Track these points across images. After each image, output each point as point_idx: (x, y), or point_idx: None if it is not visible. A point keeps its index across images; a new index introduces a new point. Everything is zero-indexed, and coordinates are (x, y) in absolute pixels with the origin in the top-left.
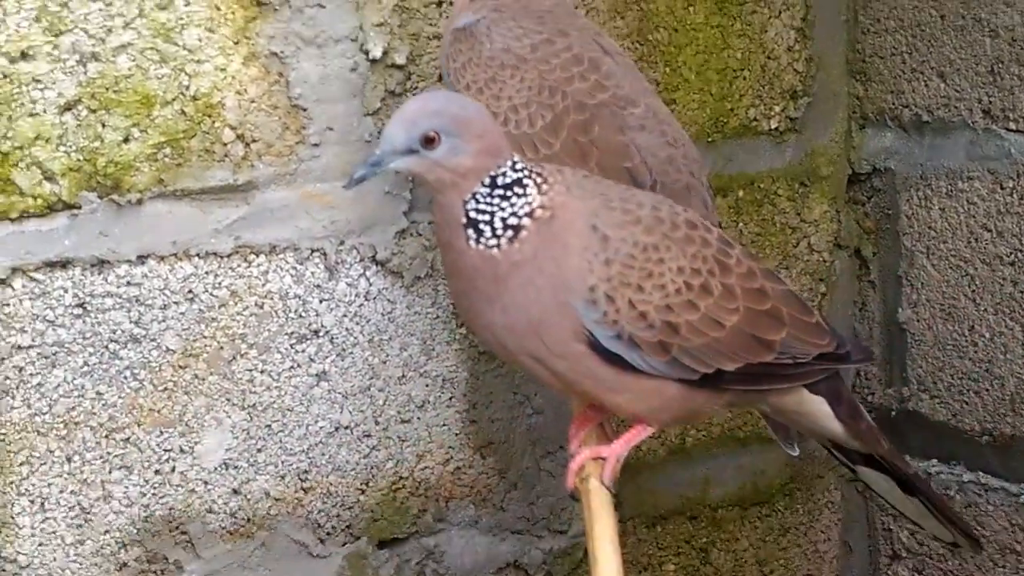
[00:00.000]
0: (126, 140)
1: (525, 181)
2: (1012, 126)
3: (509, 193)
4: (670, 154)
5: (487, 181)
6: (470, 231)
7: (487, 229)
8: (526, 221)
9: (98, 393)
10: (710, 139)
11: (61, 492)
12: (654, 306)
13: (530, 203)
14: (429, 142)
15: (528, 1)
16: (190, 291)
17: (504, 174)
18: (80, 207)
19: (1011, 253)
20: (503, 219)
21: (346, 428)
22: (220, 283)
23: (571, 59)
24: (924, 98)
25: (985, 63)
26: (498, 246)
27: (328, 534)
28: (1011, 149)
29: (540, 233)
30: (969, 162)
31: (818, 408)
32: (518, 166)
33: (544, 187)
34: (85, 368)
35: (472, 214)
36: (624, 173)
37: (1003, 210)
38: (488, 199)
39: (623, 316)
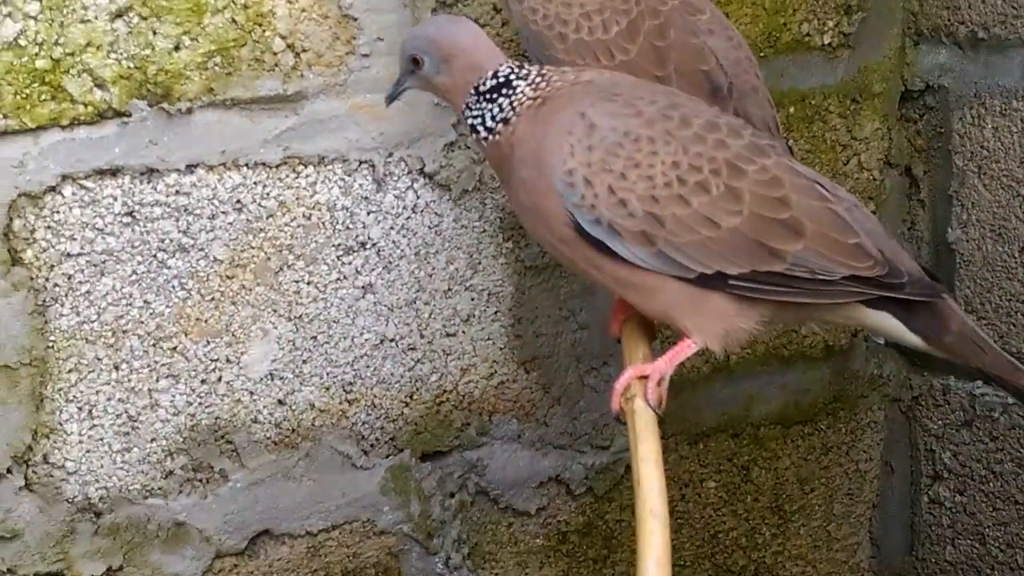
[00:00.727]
0: (176, 48)
1: (514, 82)
2: None
3: (495, 95)
4: (738, 56)
5: (472, 91)
6: (476, 133)
7: (482, 128)
8: (515, 113)
9: (146, 302)
10: (762, 54)
11: (108, 400)
12: (637, 195)
13: (519, 98)
14: (416, 63)
15: None
16: (238, 201)
17: (484, 82)
18: (130, 115)
19: None
20: (493, 115)
21: (391, 341)
22: (268, 193)
23: None
24: (980, 14)
25: None
26: (500, 133)
27: (372, 446)
28: None
29: (530, 118)
30: None
31: (885, 322)
32: (501, 72)
33: (540, 82)
34: (133, 277)
35: (471, 120)
36: (701, 76)
37: None
38: (477, 105)
39: (601, 201)
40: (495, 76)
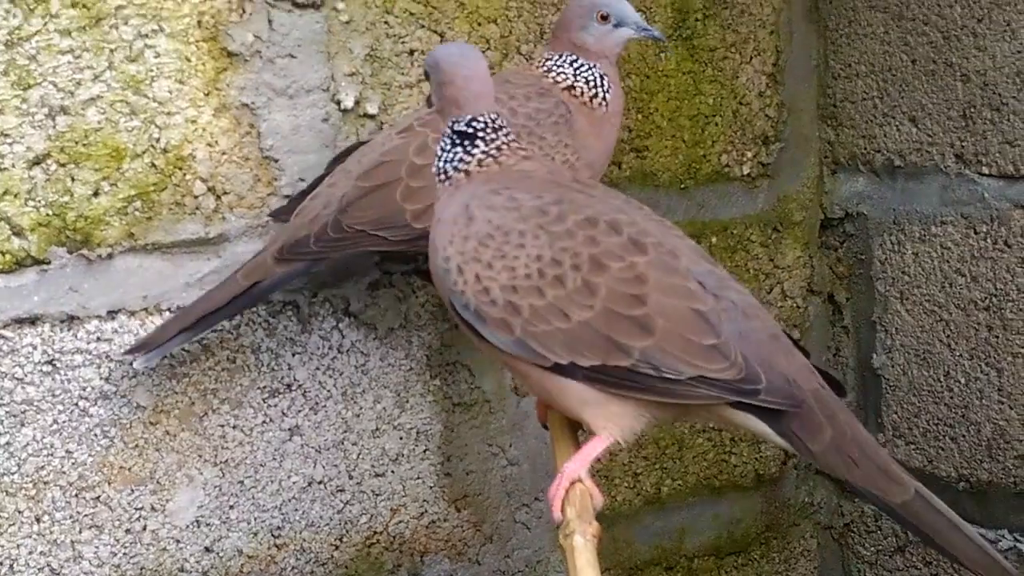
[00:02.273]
0: (96, 194)
1: (477, 140)
2: (985, 170)
3: (458, 140)
4: None
5: (449, 124)
6: (438, 168)
7: (436, 166)
8: (454, 175)
9: (68, 451)
10: (683, 186)
11: (30, 553)
12: (499, 284)
13: (466, 162)
14: (427, 78)
15: None
16: None
17: (458, 122)
18: (49, 262)
19: (986, 298)
20: (445, 161)
21: (319, 483)
22: (191, 337)
23: None
24: (896, 143)
25: (957, 107)
26: (440, 183)
27: None
28: (984, 193)
29: (449, 193)
30: (942, 207)
31: (752, 424)
32: (476, 123)
33: (487, 159)
34: (55, 426)
35: (438, 149)
36: None
37: (977, 255)
38: (445, 140)
39: (469, 287)
40: (469, 123)
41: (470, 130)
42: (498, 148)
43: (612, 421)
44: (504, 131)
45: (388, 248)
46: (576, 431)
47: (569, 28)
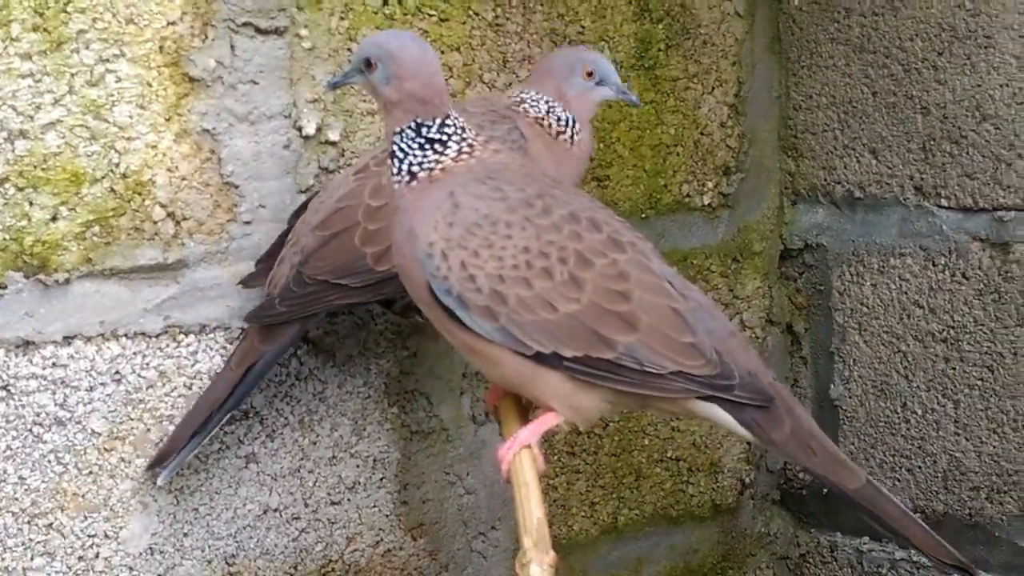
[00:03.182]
0: (54, 219)
1: (449, 143)
2: (944, 203)
3: (428, 146)
4: None
5: (414, 124)
6: (390, 161)
7: (397, 166)
8: (422, 174)
9: (20, 478)
10: (643, 215)
11: None
12: (485, 273)
13: (439, 161)
14: (369, 65)
15: None
16: (117, 372)
17: (429, 127)
18: (5, 287)
19: (943, 330)
20: (410, 163)
21: (275, 511)
22: (148, 364)
23: None
24: (856, 174)
25: (917, 140)
26: (400, 182)
27: None
28: (943, 226)
29: (423, 187)
30: (901, 239)
31: (715, 415)
32: (448, 128)
33: (462, 155)
34: (8, 452)
35: (395, 147)
36: None
37: (935, 287)
38: (410, 141)
39: (454, 274)
40: (441, 129)
41: (442, 136)
42: (469, 144)
43: (577, 410)
44: (470, 131)
45: (354, 300)
46: (526, 419)
47: (553, 75)
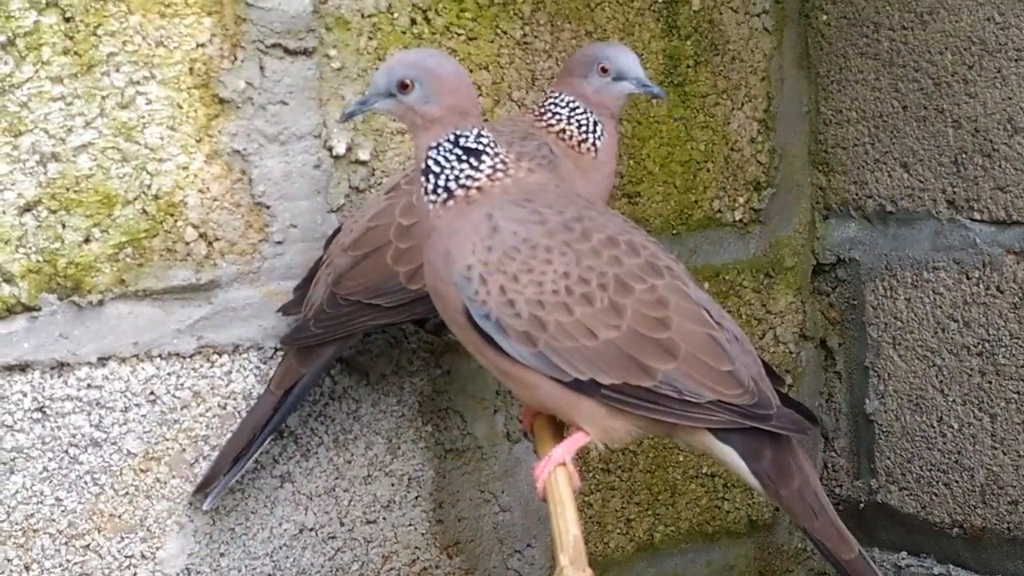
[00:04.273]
0: (87, 241)
1: (483, 156)
2: (976, 216)
3: (465, 157)
4: None
5: (451, 137)
6: (425, 177)
7: (433, 182)
8: (459, 192)
9: (57, 499)
10: (675, 231)
11: None
12: (525, 298)
13: (475, 178)
14: (403, 88)
15: None
16: (152, 393)
17: (467, 137)
18: (40, 309)
19: (978, 343)
20: (446, 179)
21: (310, 530)
22: (183, 384)
23: None
24: (887, 188)
25: (948, 153)
26: (435, 202)
27: None
28: (976, 239)
29: (459, 208)
30: (934, 252)
31: (730, 458)
32: (483, 139)
33: (497, 173)
34: (44, 474)
35: (431, 162)
36: None
37: (969, 300)
38: (448, 153)
39: (492, 298)
40: (478, 139)
41: (478, 146)
42: (503, 162)
43: (608, 432)
44: (501, 146)
45: (387, 320)
46: (561, 437)
47: (574, 74)
